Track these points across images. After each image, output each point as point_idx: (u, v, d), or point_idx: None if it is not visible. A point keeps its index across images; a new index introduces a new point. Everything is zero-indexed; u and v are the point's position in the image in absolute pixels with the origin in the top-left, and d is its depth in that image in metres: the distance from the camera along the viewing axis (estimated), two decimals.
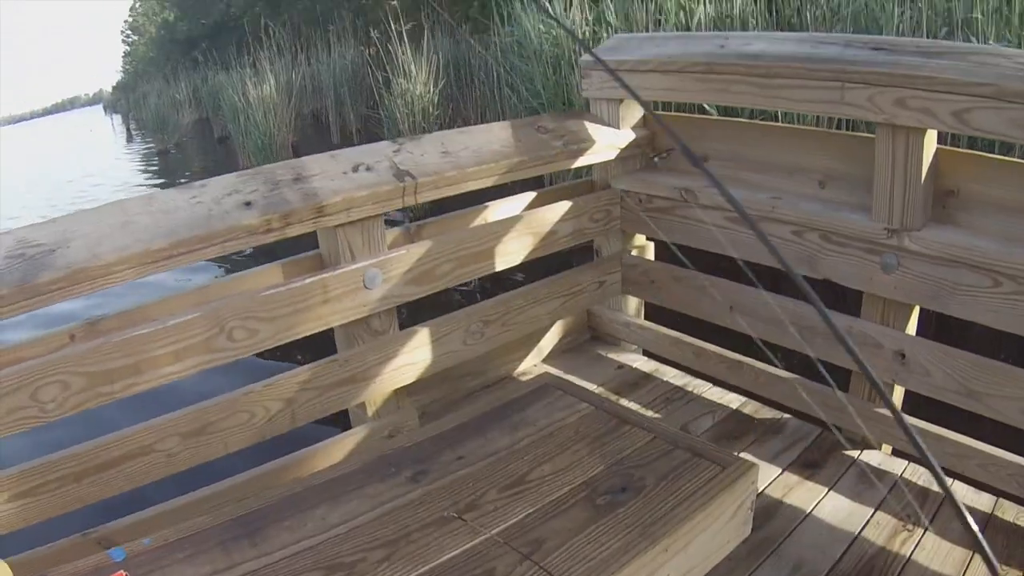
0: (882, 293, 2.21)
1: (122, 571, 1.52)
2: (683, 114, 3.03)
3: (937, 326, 2.36)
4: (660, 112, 3.00)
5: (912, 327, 2.24)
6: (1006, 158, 2.13)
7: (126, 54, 65.52)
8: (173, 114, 23.99)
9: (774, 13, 7.10)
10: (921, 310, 2.22)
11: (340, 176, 2.16)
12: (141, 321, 1.91)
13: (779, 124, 2.86)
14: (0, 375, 1.68)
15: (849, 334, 2.28)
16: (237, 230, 1.94)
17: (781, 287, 2.54)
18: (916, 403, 2.27)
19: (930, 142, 2.05)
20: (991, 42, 5.36)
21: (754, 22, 7.00)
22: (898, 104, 2.01)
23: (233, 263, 6.27)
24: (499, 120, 10.27)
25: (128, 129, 35.49)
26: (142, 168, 18.93)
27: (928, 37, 5.86)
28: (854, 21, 6.47)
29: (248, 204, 1.98)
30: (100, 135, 36.87)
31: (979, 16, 5.55)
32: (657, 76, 2.65)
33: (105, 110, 68.15)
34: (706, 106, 5.14)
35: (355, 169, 2.20)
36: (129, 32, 64.24)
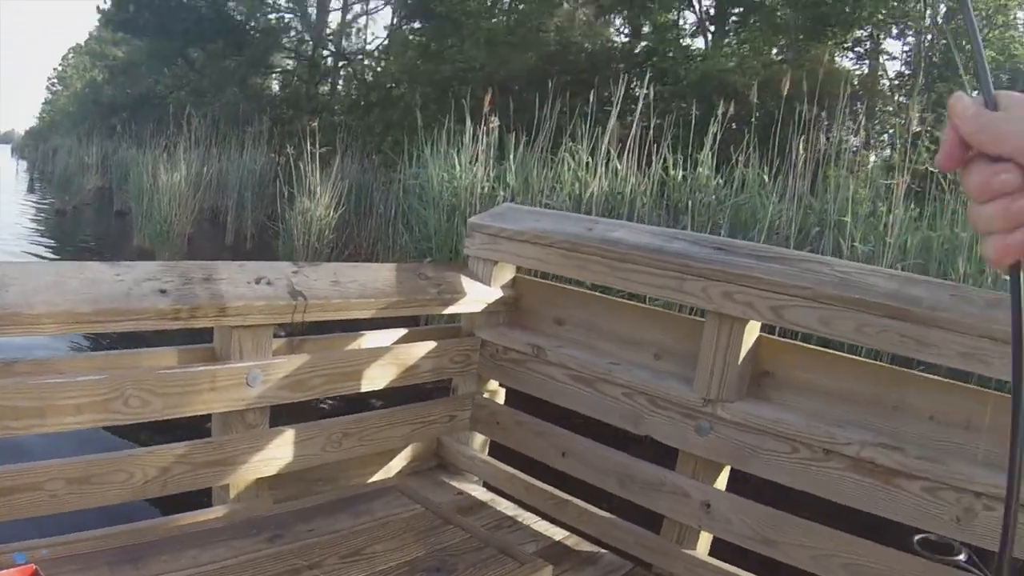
0: (695, 452, 2.52)
1: (33, 565, 1.76)
2: (547, 281, 3.32)
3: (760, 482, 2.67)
4: (528, 277, 3.30)
5: (721, 482, 2.54)
6: (816, 348, 2.52)
7: (47, 101, 64.28)
8: (79, 175, 23.73)
9: (665, 195, 7.65)
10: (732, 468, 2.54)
11: (244, 284, 2.40)
12: (52, 372, 2.12)
13: (628, 301, 3.21)
14: None
15: (663, 484, 2.59)
16: (150, 312, 2.16)
17: (609, 439, 2.85)
18: (722, 547, 2.56)
19: (752, 330, 2.42)
20: (857, 244, 6.01)
21: (642, 202, 7.50)
22: (725, 296, 2.39)
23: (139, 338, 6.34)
24: (389, 254, 10.60)
25: (31, 178, 34.90)
26: (38, 223, 18.62)
27: (801, 234, 6.58)
28: (735, 213, 7.06)
29: (163, 292, 2.21)
30: (1, 178, 36.22)
31: (848, 220, 6.18)
32: (531, 247, 3.01)
33: (12, 152, 66.40)
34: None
35: (258, 281, 2.45)
36: (56, 81, 63.32)
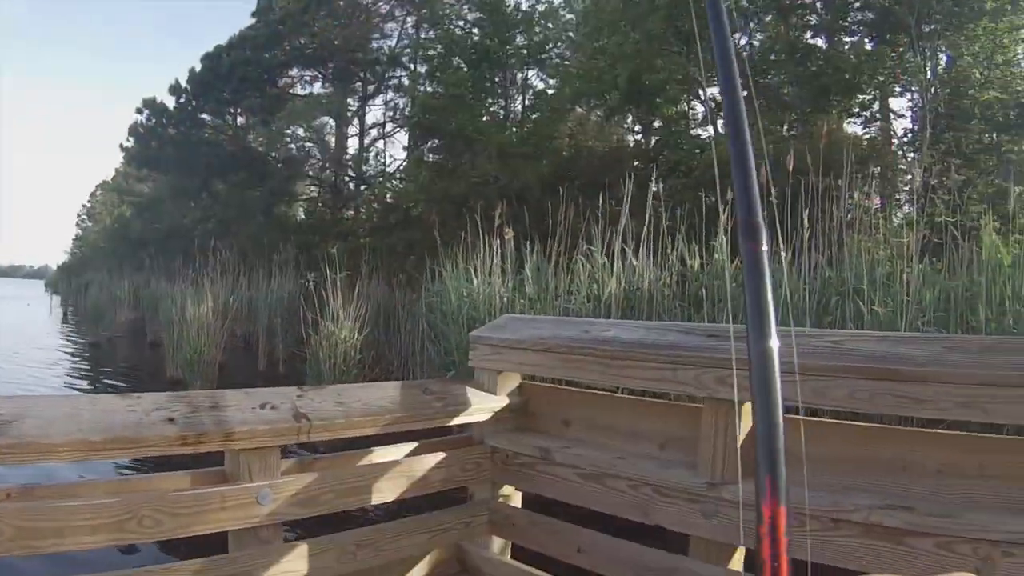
0: (704, 535, 2.54)
1: None
2: (550, 385, 3.41)
3: None
4: (532, 383, 3.39)
5: (737, 563, 2.52)
6: (811, 419, 2.45)
7: (77, 237, 65.83)
8: (111, 309, 24.13)
9: (685, 288, 7.63)
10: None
11: (249, 410, 2.54)
12: (70, 496, 2.26)
13: (629, 396, 3.29)
14: None
15: (677, 571, 2.60)
16: (159, 439, 2.30)
17: (624, 529, 2.87)
18: None
19: (748, 411, 2.39)
20: (876, 308, 5.95)
21: (661, 296, 7.51)
22: (719, 381, 2.44)
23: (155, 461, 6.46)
24: (418, 370, 10.67)
25: (65, 312, 35.66)
26: (73, 355, 18.98)
27: (819, 305, 6.50)
28: None
29: (171, 420, 2.35)
30: (37, 311, 36.97)
31: (865, 285, 6.18)
32: (531, 353, 3.15)
33: (46, 287, 68.11)
34: None
35: (262, 407, 2.59)
36: (85, 217, 64.86)
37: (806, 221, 7.05)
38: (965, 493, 2.12)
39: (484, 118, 18.57)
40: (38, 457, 2.15)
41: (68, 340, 23.03)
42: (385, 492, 2.89)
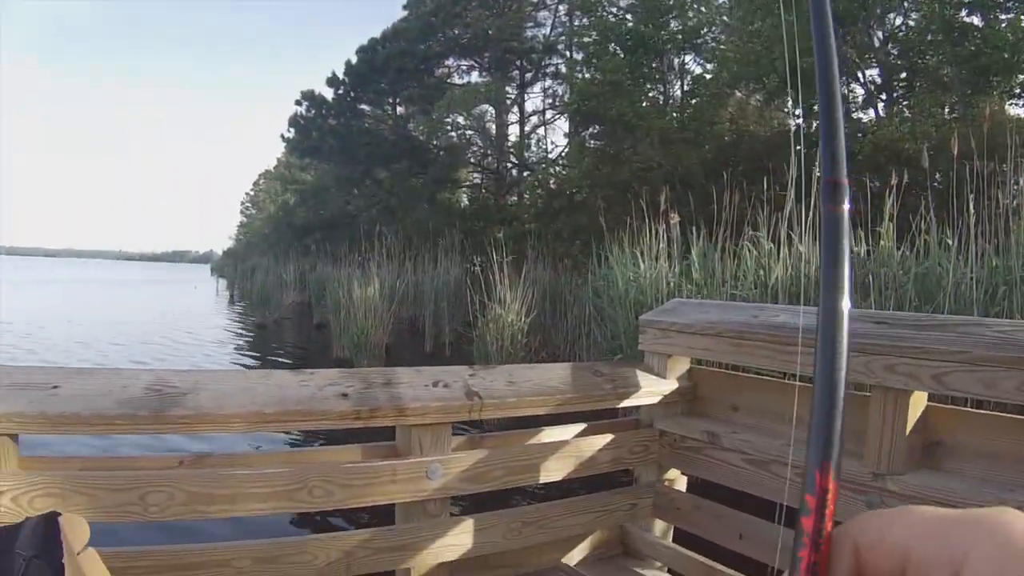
0: None
1: None
2: (720, 370, 3.40)
3: None
4: (701, 367, 3.39)
5: None
6: (984, 412, 2.44)
7: (241, 224, 68.69)
8: (277, 292, 25.24)
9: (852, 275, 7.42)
10: None
11: (421, 387, 2.62)
12: (241, 465, 2.39)
13: (799, 383, 3.31)
14: (118, 475, 2.17)
15: None
16: (332, 413, 2.40)
17: (784, 518, 2.91)
18: None
19: (917, 400, 2.38)
20: None
21: None
22: (888, 369, 2.37)
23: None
24: (584, 353, 10.77)
25: (232, 295, 37.37)
26: (242, 336, 19.92)
27: (987, 295, 6.33)
28: (917, 282, 6.90)
29: (344, 395, 2.45)
30: (204, 294, 39.14)
31: None
32: (700, 338, 3.11)
33: (212, 271, 71.07)
34: None
35: (435, 384, 2.67)
36: (249, 205, 67.48)
37: (971, 207, 6.86)
38: None
39: (643, 104, 18.46)
40: (212, 427, 2.27)
41: (236, 321, 24.11)
42: (553, 471, 2.92)
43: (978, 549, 0.47)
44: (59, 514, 1.50)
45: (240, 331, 21.01)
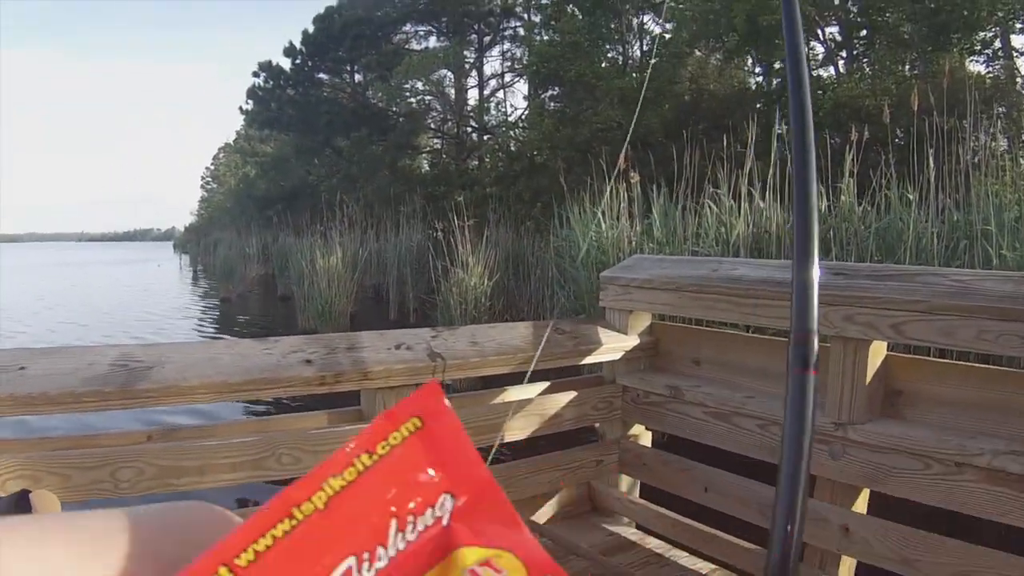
0: (830, 476, 2.50)
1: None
2: (681, 324, 3.43)
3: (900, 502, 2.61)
4: (662, 322, 3.38)
5: (860, 505, 2.49)
6: (943, 360, 2.48)
7: (203, 199, 67.95)
8: (240, 266, 25.14)
9: None
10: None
11: (384, 351, 2.62)
12: (209, 436, 2.38)
13: (759, 336, 3.27)
14: (87, 453, 2.16)
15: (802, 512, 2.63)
16: (297, 380, 2.40)
17: (752, 472, 2.85)
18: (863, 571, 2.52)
19: (877, 350, 2.41)
20: (1004, 252, 5.90)
21: (789, 237, 7.32)
22: (847, 320, 2.39)
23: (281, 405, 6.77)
24: (548, 314, 10.80)
25: (195, 271, 37.18)
26: (206, 310, 19.90)
27: (948, 250, 6.45)
28: (878, 237, 7.02)
29: (309, 361, 2.46)
30: (167, 272, 38.54)
31: (993, 228, 6.09)
32: (661, 293, 3.12)
33: (175, 248, 70.87)
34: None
35: (397, 347, 2.67)
36: (210, 179, 66.79)
37: (931, 163, 6.95)
38: None
39: (603, 64, 18.47)
40: (179, 399, 2.26)
41: (199, 297, 24.04)
42: (517, 430, 2.93)
43: None
44: (29, 492, 1.46)
45: (204, 307, 20.90)
